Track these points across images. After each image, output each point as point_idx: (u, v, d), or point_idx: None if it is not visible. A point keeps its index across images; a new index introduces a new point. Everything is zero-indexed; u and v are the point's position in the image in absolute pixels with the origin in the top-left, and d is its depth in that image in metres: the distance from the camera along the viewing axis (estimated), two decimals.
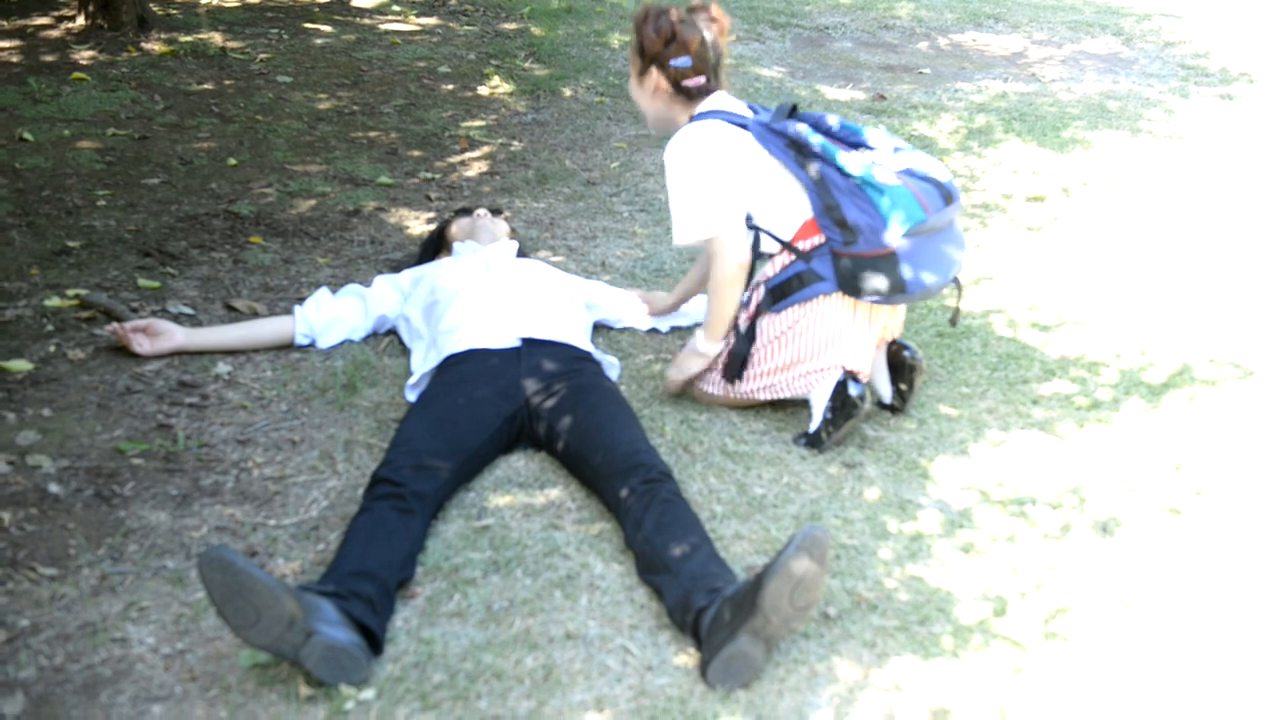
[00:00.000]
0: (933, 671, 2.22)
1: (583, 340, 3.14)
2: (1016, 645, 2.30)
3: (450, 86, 6.06)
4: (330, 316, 3.34)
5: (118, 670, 2.13)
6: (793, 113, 3.00)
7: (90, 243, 3.90)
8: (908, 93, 6.37)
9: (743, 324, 3.00)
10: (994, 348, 3.54)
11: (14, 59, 5.93)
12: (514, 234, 3.69)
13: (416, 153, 5.07)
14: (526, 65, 6.52)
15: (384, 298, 3.40)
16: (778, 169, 2.92)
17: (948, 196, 2.87)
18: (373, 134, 5.27)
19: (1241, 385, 3.37)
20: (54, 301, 3.43)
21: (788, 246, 2.93)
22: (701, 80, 2.99)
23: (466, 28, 7.29)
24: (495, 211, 3.73)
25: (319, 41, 6.76)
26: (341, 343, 3.35)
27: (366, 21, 7.29)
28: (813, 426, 2.93)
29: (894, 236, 2.78)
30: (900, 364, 3.05)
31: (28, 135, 4.86)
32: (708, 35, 2.98)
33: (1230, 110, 6.31)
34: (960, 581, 2.49)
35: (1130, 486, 2.87)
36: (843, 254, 2.84)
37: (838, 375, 2.88)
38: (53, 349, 3.20)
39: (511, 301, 3.11)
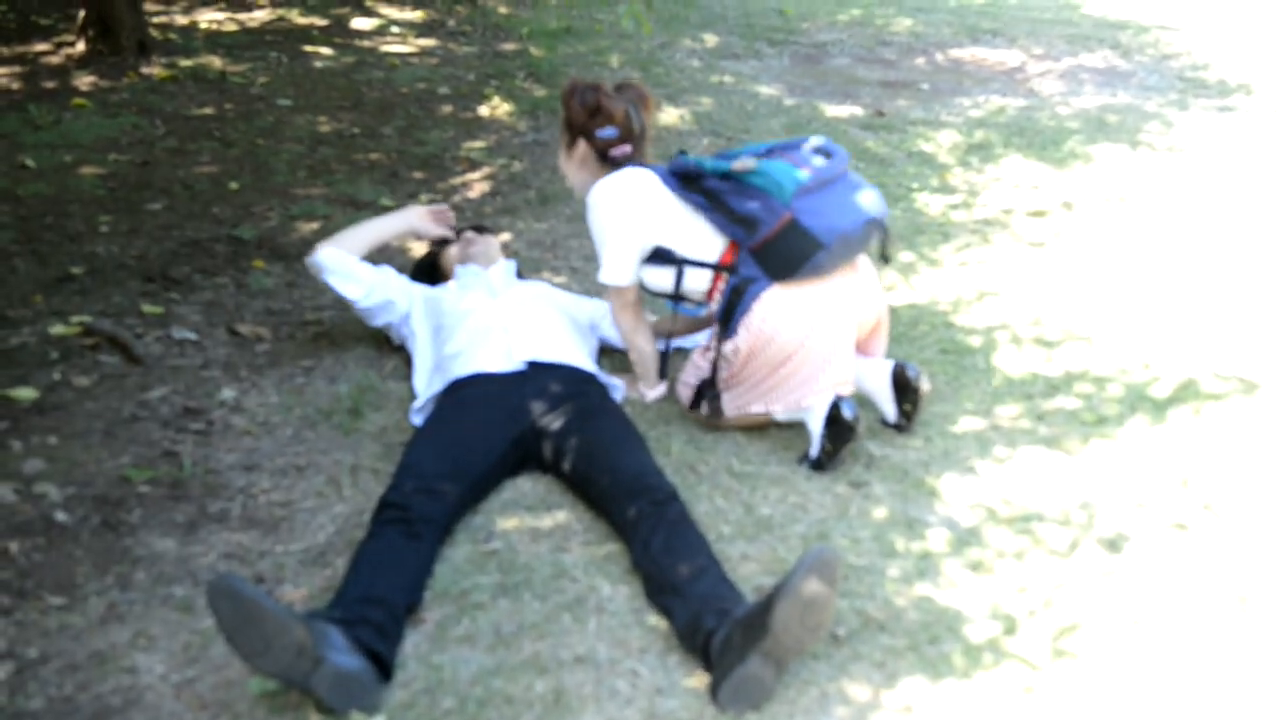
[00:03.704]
0: (943, 691, 2.22)
1: (587, 362, 3.14)
2: (1027, 664, 2.30)
3: (450, 108, 6.08)
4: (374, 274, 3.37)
5: (127, 699, 2.13)
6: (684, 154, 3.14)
7: (93, 269, 3.90)
8: (906, 108, 6.39)
9: (706, 363, 3.05)
10: (998, 364, 3.54)
11: (14, 86, 5.94)
12: (504, 249, 3.68)
13: (418, 174, 5.08)
14: (526, 85, 6.53)
15: (396, 284, 3.39)
16: (684, 205, 3.02)
17: (825, 154, 2.98)
18: (373, 156, 5.28)
19: (1246, 399, 3.37)
20: (58, 329, 3.43)
21: (718, 268, 2.99)
22: (627, 149, 3.13)
23: (466, 49, 7.31)
24: (480, 229, 3.71)
25: (319, 64, 6.78)
26: (384, 304, 3.35)
27: (366, 44, 7.32)
28: (812, 452, 2.94)
29: (784, 202, 2.85)
30: (905, 384, 3.05)
31: (29, 162, 4.87)
32: (632, 110, 3.13)
33: (1229, 122, 6.32)
34: (969, 600, 2.48)
35: (1137, 502, 2.87)
36: (757, 246, 2.91)
37: (829, 399, 2.89)
38: (57, 376, 3.20)
39: (516, 326, 3.11)
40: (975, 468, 2.99)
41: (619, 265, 3.09)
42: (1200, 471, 3.00)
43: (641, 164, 3.12)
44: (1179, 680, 2.27)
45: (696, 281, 3.03)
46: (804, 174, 2.89)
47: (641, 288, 3.14)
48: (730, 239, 2.98)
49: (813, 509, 2.79)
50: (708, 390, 3.06)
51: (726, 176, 2.94)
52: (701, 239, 3.01)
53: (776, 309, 2.90)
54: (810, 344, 2.92)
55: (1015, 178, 5.28)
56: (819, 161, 2.95)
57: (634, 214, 3.04)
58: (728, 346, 2.97)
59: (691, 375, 3.11)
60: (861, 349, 3.16)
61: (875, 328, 3.13)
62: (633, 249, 3.06)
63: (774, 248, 2.89)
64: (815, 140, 3.04)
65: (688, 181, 3.00)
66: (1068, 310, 3.94)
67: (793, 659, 2.15)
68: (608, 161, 3.13)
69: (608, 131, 3.10)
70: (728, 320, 2.96)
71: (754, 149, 3.06)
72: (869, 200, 2.96)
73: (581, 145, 3.14)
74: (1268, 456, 3.08)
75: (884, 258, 3.12)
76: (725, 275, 2.99)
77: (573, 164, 3.20)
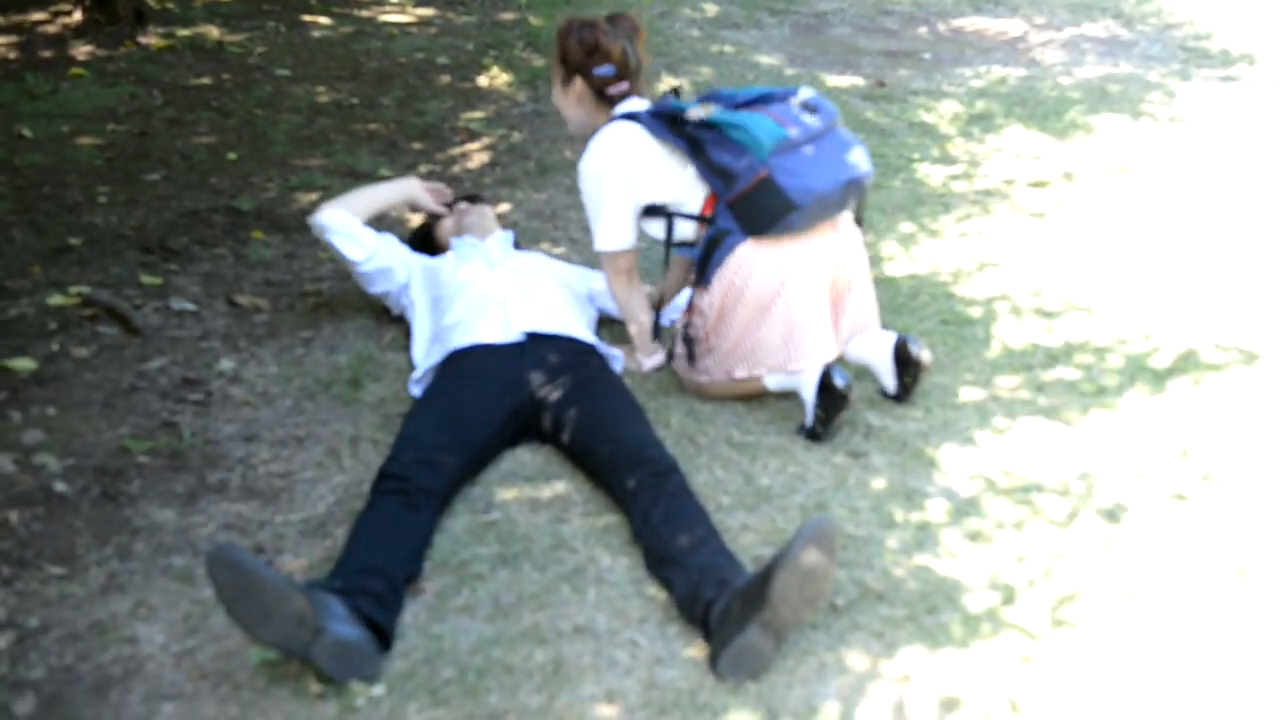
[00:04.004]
0: (942, 661, 2.22)
1: (586, 333, 3.13)
2: (1025, 633, 2.30)
3: (449, 78, 6.05)
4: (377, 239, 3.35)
5: (128, 669, 2.13)
6: (675, 95, 3.15)
7: (91, 240, 3.89)
8: (907, 78, 6.36)
9: (684, 318, 3.08)
10: (998, 335, 3.54)
11: (11, 55, 5.91)
12: (503, 219, 3.67)
13: (416, 145, 5.06)
14: (525, 55, 6.50)
15: (397, 252, 3.38)
16: (669, 153, 3.03)
17: (812, 109, 2.97)
18: (372, 126, 5.26)
19: (1246, 369, 3.37)
20: (56, 299, 3.43)
21: (700, 219, 3.00)
22: (624, 86, 3.14)
23: (464, 18, 7.27)
24: (473, 199, 3.71)
25: (316, 34, 6.74)
26: (384, 270, 3.33)
27: (364, 13, 7.27)
28: (807, 421, 2.95)
29: (761, 159, 2.85)
30: (906, 358, 3.05)
31: (27, 132, 4.85)
32: (628, 45, 3.13)
33: (1232, 92, 6.29)
34: (968, 570, 2.49)
35: (1137, 472, 2.87)
36: (733, 199, 2.91)
37: (819, 368, 2.89)
38: (56, 347, 3.20)
39: (514, 296, 3.10)
40: (974, 438, 2.99)
41: (615, 229, 3.09)
42: (1200, 442, 3.00)
43: (634, 114, 3.09)
44: (1178, 650, 2.27)
45: (685, 231, 3.06)
46: (786, 130, 2.87)
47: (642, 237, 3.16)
48: (710, 189, 2.98)
49: (812, 479, 2.79)
50: (685, 342, 3.07)
51: (710, 125, 2.93)
52: (686, 187, 3.01)
53: (749, 262, 2.91)
54: (783, 299, 2.92)
55: (1016, 148, 5.26)
56: (805, 118, 2.93)
57: (624, 177, 3.04)
58: (703, 300, 2.98)
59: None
60: (853, 320, 3.14)
61: (852, 285, 3.10)
62: (627, 212, 3.07)
63: (749, 203, 2.89)
64: (805, 93, 3.02)
65: (672, 124, 3.00)
66: (1068, 281, 3.93)
67: (792, 629, 2.16)
68: (604, 99, 3.14)
69: (605, 69, 3.10)
70: (703, 272, 2.97)
71: (746, 94, 3.04)
72: (850, 160, 2.94)
73: (578, 83, 3.13)
74: (1267, 427, 3.08)
75: (857, 220, 3.12)
76: (705, 226, 3.00)
77: (569, 101, 3.19)
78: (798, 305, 2.94)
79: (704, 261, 2.97)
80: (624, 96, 3.14)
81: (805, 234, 2.93)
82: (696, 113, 2.93)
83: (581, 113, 3.18)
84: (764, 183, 2.85)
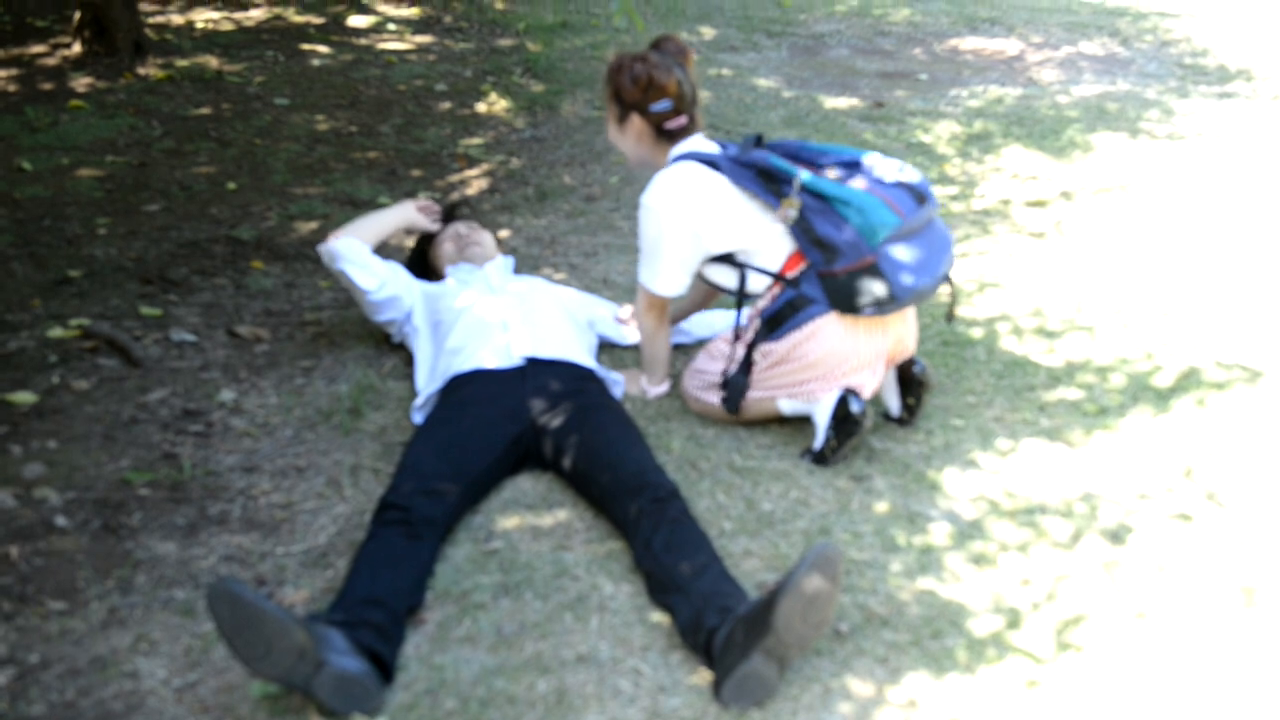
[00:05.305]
0: (947, 686, 2.21)
1: (587, 358, 3.13)
2: (1031, 657, 2.29)
3: (447, 104, 6.06)
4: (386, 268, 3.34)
5: (129, 704, 2.12)
6: (758, 143, 3.05)
7: (91, 272, 3.89)
8: (905, 99, 6.37)
9: (739, 355, 3.00)
10: (999, 356, 3.53)
11: (11, 88, 5.93)
12: (502, 245, 3.67)
13: (416, 172, 5.07)
14: (523, 81, 6.52)
15: (404, 280, 3.38)
16: (754, 204, 2.94)
17: (920, 198, 2.88)
18: (371, 154, 5.27)
19: (1249, 387, 3.36)
20: (56, 332, 3.43)
21: (777, 278, 2.93)
22: (683, 120, 3.06)
23: (462, 45, 7.29)
24: (453, 211, 3.70)
25: (315, 62, 6.76)
26: (393, 298, 3.31)
27: (363, 41, 7.30)
28: (816, 444, 2.92)
29: (871, 246, 2.78)
30: (910, 379, 3.04)
31: (26, 164, 4.86)
32: (681, 75, 3.04)
33: (1229, 109, 6.30)
34: (972, 594, 2.48)
35: (1140, 493, 2.86)
36: (827, 273, 2.84)
37: (838, 392, 2.88)
38: (56, 380, 3.19)
39: (515, 321, 3.10)
40: (977, 460, 2.98)
41: (669, 276, 3.02)
42: (1203, 461, 2.99)
43: (712, 159, 2.98)
44: (1184, 672, 2.26)
45: (758, 284, 2.98)
46: (898, 219, 2.79)
47: (703, 279, 3.10)
48: (796, 248, 2.91)
49: (814, 504, 2.78)
50: (739, 383, 2.99)
51: (816, 194, 2.83)
52: (767, 240, 2.93)
53: (825, 334, 2.87)
54: (846, 367, 2.90)
55: (1015, 168, 5.27)
56: (913, 207, 2.84)
57: (692, 226, 2.96)
58: (761, 350, 2.95)
59: (718, 363, 3.07)
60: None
61: (903, 354, 3.07)
62: (689, 263, 3.01)
63: (847, 283, 2.82)
64: (907, 174, 2.90)
65: (765, 177, 2.90)
66: (1069, 300, 3.93)
67: (796, 656, 2.14)
68: (664, 134, 3.07)
69: (662, 105, 3.02)
70: (774, 327, 2.92)
71: (841, 155, 2.95)
72: (947, 255, 2.91)
73: (636, 121, 3.07)
74: (1271, 446, 3.07)
75: (948, 317, 3.12)
76: (783, 284, 2.93)
77: (627, 140, 3.13)
78: (855, 373, 2.92)
79: (776, 318, 2.91)
80: (683, 131, 3.07)
81: (885, 318, 2.91)
82: (845, 190, 2.81)
83: (641, 150, 3.12)
84: (870, 268, 2.79)
